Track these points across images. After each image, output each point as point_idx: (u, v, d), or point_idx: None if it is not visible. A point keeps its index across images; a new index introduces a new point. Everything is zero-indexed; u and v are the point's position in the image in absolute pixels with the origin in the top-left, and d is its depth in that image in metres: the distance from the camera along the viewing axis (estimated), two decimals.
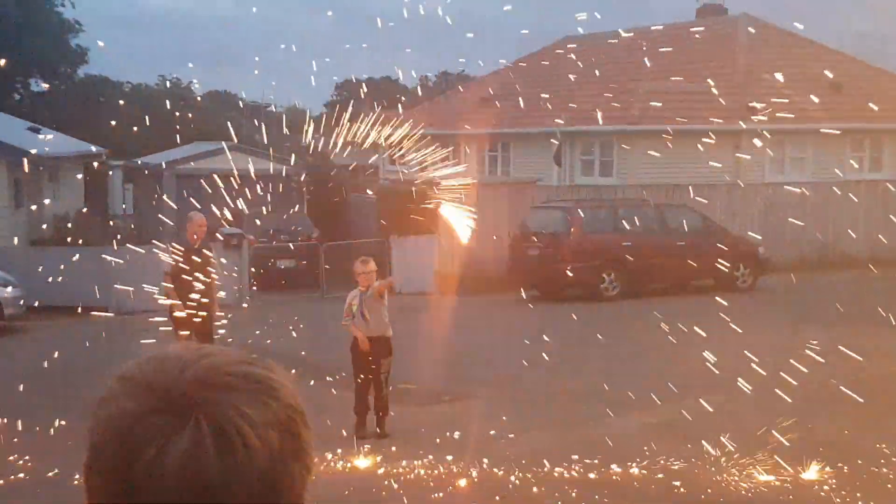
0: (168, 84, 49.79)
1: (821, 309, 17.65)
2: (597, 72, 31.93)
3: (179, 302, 10.11)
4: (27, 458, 8.68)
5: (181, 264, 10.17)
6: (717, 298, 18.88)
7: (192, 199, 26.99)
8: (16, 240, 21.05)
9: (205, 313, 10.25)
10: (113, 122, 38.62)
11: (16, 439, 9.32)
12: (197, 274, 10.17)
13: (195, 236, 10.62)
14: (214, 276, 10.69)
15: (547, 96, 31.85)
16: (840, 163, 27.30)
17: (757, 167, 26.78)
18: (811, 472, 7.65)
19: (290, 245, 21.73)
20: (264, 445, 0.94)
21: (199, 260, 10.37)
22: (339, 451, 8.67)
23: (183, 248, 10.44)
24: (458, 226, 8.94)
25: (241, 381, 0.97)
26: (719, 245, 19.96)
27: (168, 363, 0.99)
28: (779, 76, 26.31)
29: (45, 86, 45.03)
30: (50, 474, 8.17)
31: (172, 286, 10.26)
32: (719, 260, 19.74)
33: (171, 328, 10.54)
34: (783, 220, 24.09)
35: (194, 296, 10.09)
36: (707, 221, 20.39)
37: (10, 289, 16.36)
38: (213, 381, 0.96)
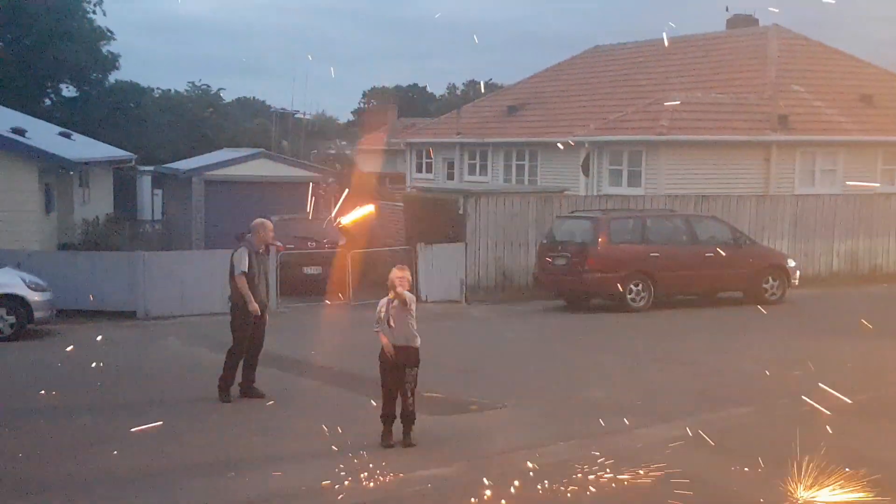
0: (197, 91, 50.13)
1: (850, 322, 17.45)
2: (626, 81, 31.87)
3: (255, 303, 10.94)
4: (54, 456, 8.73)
5: (253, 265, 11.08)
6: (745, 310, 18.81)
7: (220, 205, 27.17)
8: (37, 245, 21.25)
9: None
10: (142, 128, 38.98)
11: (49, 439, 9.37)
12: (262, 275, 11.22)
13: (262, 240, 11.31)
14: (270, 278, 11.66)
15: (575, 106, 31.81)
16: (871, 175, 27.03)
17: (786, 178, 26.58)
18: (840, 487, 7.53)
19: (318, 252, 21.75)
20: None
21: (263, 261, 11.35)
22: (366, 458, 8.65)
23: (254, 251, 11.23)
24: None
25: None
26: (748, 257, 19.82)
27: None
28: (808, 88, 26.12)
29: (76, 91, 45.50)
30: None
31: (247, 286, 10.99)
32: (748, 272, 19.60)
33: (233, 324, 11.13)
34: (813, 232, 23.87)
35: (262, 295, 11.13)
36: (735, 233, 20.23)
37: (40, 293, 16.48)
38: None
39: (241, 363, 11.14)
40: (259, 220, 11.65)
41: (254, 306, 10.91)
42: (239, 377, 11.16)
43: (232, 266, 11.16)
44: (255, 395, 11.09)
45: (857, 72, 30.47)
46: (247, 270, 11.00)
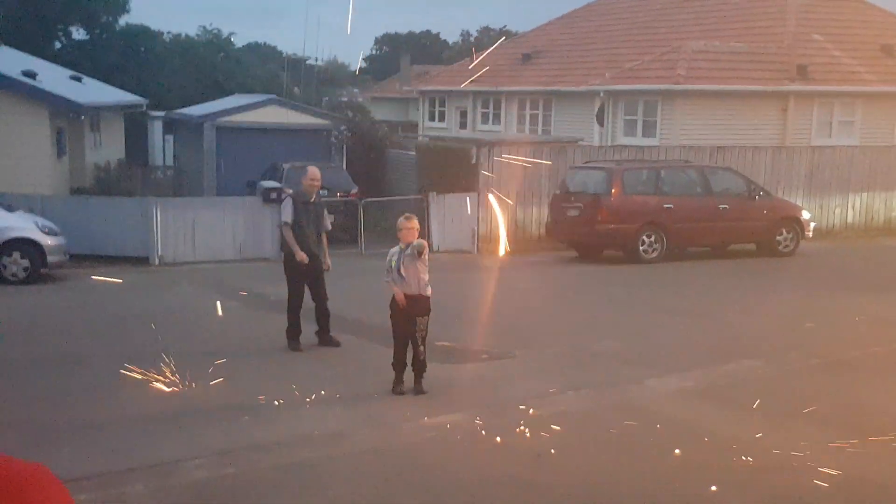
0: (208, 35, 49.70)
1: (864, 275, 17.40)
2: (643, 29, 31.45)
3: (302, 251, 10.85)
4: (69, 400, 8.81)
5: (300, 214, 10.95)
6: (758, 263, 18.75)
7: (231, 151, 27.10)
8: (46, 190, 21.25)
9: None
10: (153, 73, 38.74)
11: (62, 384, 9.46)
12: (312, 224, 11.01)
13: (311, 189, 11.16)
14: (328, 226, 11.34)
15: (590, 54, 31.46)
16: (890, 126, 26.74)
17: (803, 130, 26.31)
18: (846, 439, 7.55)
19: (330, 201, 21.71)
20: None
21: (313, 210, 11.10)
22: (377, 406, 8.70)
23: (301, 200, 11.08)
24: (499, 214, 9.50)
25: None
26: (762, 209, 19.69)
27: None
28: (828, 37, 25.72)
29: (87, 35, 45.19)
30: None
31: (293, 235, 10.91)
32: (762, 224, 19.49)
33: (285, 274, 11.16)
34: (828, 184, 23.69)
35: (311, 245, 10.96)
36: (750, 185, 20.07)
37: (53, 237, 16.53)
38: None
39: (302, 312, 11.05)
40: (308, 166, 11.65)
41: (301, 255, 10.83)
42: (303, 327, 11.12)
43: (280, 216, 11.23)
44: (331, 344, 11.03)
45: (877, 21, 29.98)
46: (289, 220, 10.94)
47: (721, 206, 19.18)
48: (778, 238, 19.62)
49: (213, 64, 45.28)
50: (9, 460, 0.89)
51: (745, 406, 8.67)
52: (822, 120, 26.70)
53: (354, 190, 22.32)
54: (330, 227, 11.45)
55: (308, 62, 48.34)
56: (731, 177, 20.21)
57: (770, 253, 19.40)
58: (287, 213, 11.02)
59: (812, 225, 20.24)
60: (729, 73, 25.76)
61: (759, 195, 19.96)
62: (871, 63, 27.61)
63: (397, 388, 9.14)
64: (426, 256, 9.08)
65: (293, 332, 11.08)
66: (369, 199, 21.66)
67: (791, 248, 19.70)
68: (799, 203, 21.73)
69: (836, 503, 6.44)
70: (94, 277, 15.89)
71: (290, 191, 11.76)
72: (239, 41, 57.05)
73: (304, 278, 11.01)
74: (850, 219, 24.05)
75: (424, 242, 9.09)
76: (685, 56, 25.92)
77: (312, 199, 11.16)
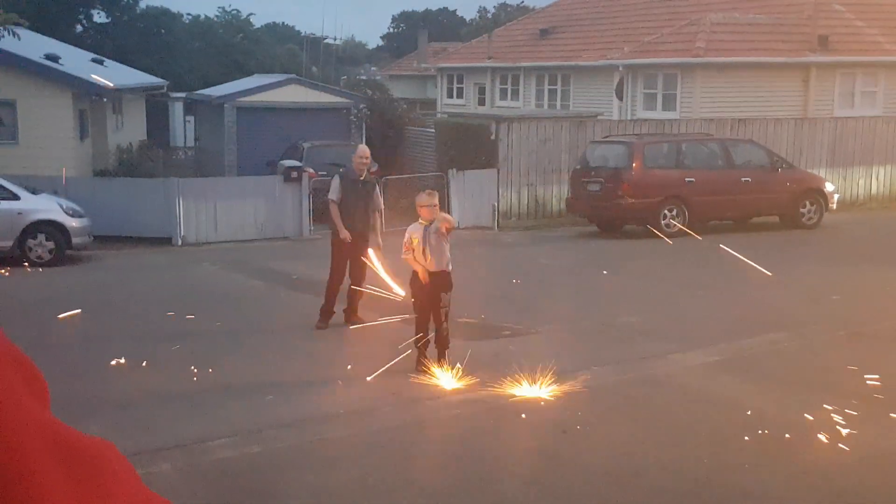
0: (227, 16, 49.71)
1: (889, 247, 17.25)
2: (662, 2, 31.16)
3: (346, 230, 10.74)
4: (90, 382, 8.92)
5: (348, 192, 10.84)
6: (782, 236, 18.64)
7: (252, 131, 27.16)
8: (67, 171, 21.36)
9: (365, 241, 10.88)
10: (173, 55, 38.82)
11: (87, 361, 9.56)
12: (360, 202, 10.85)
13: (360, 166, 11.04)
14: (380, 205, 11.19)
15: (609, 28, 31.22)
16: None
17: (825, 101, 26.05)
18: (872, 412, 7.53)
19: None
20: None
21: (363, 189, 10.95)
22: (400, 382, 8.75)
23: (350, 178, 10.99)
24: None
25: None
26: (785, 181, 19.54)
27: None
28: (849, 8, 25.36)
29: (107, 17, 45.29)
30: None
31: (339, 213, 10.83)
32: (785, 197, 19.35)
33: (331, 251, 11.09)
34: (851, 155, 23.47)
35: (358, 223, 10.82)
36: (773, 157, 19.91)
37: (77, 218, 16.67)
38: None
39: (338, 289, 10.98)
40: (358, 145, 11.72)
41: (344, 233, 10.73)
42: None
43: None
44: (356, 323, 10.95)
45: None
46: (336, 198, 10.87)
47: (743, 179, 19.05)
48: (801, 210, 19.49)
49: (232, 45, 45.33)
50: (79, 436, 0.91)
51: (771, 379, 8.66)
52: (844, 91, 26.42)
53: (374, 168, 22.32)
54: (382, 206, 11.28)
55: (326, 41, 48.27)
56: (753, 149, 20.06)
57: (794, 225, 19.27)
58: (334, 190, 10.93)
59: (836, 197, 20.06)
60: (749, 44, 25.51)
61: (782, 167, 19.80)
62: (894, 32, 27.25)
63: (420, 365, 9.18)
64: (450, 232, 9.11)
65: (327, 310, 11.00)
66: (389, 177, 21.67)
67: (815, 220, 19.56)
68: (822, 175, 21.55)
69: (862, 476, 6.44)
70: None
71: (341, 169, 11.58)
72: (258, 21, 57.03)
73: (348, 256, 10.87)
74: (874, 190, 23.84)
75: (450, 218, 9.10)
76: (705, 28, 25.68)
77: (362, 178, 11.00)
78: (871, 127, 23.81)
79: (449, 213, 18.43)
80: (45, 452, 0.86)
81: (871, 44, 26.69)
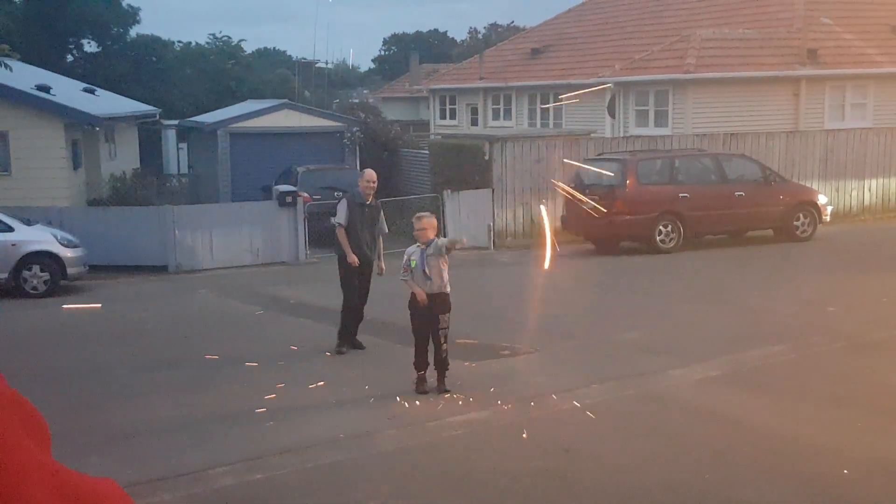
0: (218, 43, 49.87)
1: (884, 257, 17.30)
2: (652, 20, 31.35)
3: (353, 254, 10.74)
4: (90, 413, 8.87)
5: (354, 216, 10.85)
6: (776, 249, 18.67)
7: (245, 157, 27.19)
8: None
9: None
10: (165, 82, 38.90)
11: (87, 392, 9.51)
12: (367, 226, 10.90)
13: (367, 190, 11.05)
14: (385, 230, 11.25)
15: (600, 46, 31.38)
16: None
17: (816, 114, 26.17)
18: (874, 422, 7.51)
19: None
20: None
21: (369, 213, 10.98)
22: (401, 405, 8.71)
23: (357, 202, 10.99)
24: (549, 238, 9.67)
25: None
26: (778, 194, 19.60)
27: None
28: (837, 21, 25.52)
29: (98, 47, 45.45)
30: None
31: (346, 237, 10.83)
32: (778, 210, 19.40)
33: (339, 275, 11.07)
34: (843, 167, 23.55)
35: (364, 247, 10.84)
36: (765, 170, 19.98)
37: (72, 249, 16.65)
38: None
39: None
40: (366, 169, 11.64)
41: (352, 257, 10.73)
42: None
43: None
44: (356, 347, 10.98)
45: (887, 3, 29.72)
46: (343, 222, 10.87)
47: (737, 193, 19.11)
48: (795, 223, 19.54)
49: (223, 71, 45.44)
50: (82, 477, 0.90)
51: (771, 392, 8.65)
52: (834, 103, 26.55)
53: None
54: (387, 231, 11.34)
55: (318, 65, 48.42)
56: (745, 163, 20.13)
57: (788, 238, 19.32)
58: (341, 214, 10.92)
59: (829, 209, 20.13)
60: (739, 59, 25.64)
61: (775, 181, 19.86)
62: (882, 44, 27.43)
63: (420, 387, 9.14)
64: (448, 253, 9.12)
65: (344, 334, 10.98)
66: (384, 199, 21.67)
67: (809, 232, 19.61)
68: (815, 187, 21.62)
69: (865, 488, 6.41)
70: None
71: (347, 193, 11.61)
72: (249, 46, 57.25)
73: (356, 278, 10.89)
74: (866, 201, 23.91)
75: (455, 240, 9.13)
76: (695, 44, 25.82)
77: (369, 202, 11.02)
78: (863, 139, 23.91)
79: (444, 234, 18.46)
80: (46, 495, 0.86)
81: (860, 56, 26.85)
